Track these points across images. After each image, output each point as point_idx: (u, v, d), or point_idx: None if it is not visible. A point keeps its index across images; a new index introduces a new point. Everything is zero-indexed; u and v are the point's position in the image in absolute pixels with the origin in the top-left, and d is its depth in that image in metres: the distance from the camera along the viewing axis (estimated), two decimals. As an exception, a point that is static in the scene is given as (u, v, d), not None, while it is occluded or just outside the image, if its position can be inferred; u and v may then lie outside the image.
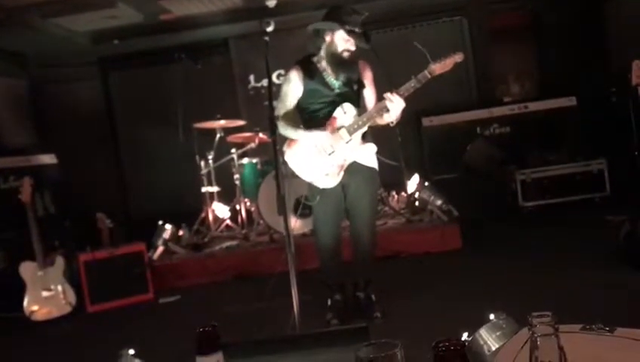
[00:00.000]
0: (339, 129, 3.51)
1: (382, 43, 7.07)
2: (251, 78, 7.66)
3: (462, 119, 6.90)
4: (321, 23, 3.54)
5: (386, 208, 6.06)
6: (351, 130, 3.49)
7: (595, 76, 6.62)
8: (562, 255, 4.48)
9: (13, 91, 7.10)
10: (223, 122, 6.08)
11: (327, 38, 3.53)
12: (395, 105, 3.38)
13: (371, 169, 3.68)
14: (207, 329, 1.00)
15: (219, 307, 4.42)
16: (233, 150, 6.03)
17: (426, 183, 5.91)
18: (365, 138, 3.62)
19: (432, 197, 5.63)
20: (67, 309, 4.78)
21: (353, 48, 3.49)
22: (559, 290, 3.60)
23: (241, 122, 6.41)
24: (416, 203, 5.87)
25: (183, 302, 4.91)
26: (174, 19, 6.74)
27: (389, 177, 6.33)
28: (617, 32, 6.55)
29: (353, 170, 3.57)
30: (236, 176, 6.02)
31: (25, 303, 4.69)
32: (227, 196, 6.26)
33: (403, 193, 6.35)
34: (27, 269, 4.76)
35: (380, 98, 3.51)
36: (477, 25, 7.62)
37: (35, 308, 4.70)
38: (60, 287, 4.79)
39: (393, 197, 6.47)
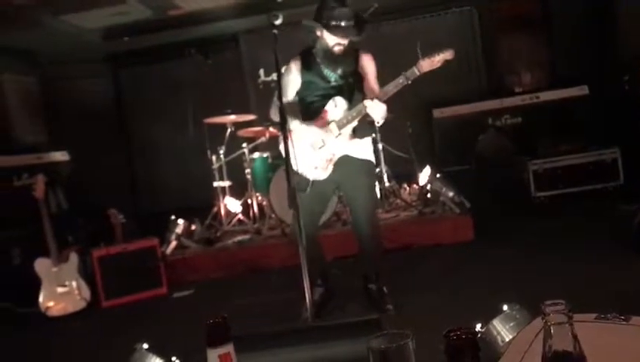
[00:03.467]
0: (329, 123, 3.52)
1: (391, 34, 7.08)
2: (261, 72, 7.66)
3: (473, 110, 6.86)
4: (308, 21, 3.51)
5: (398, 200, 6.05)
6: (340, 125, 3.50)
7: (607, 64, 6.56)
8: (576, 245, 4.45)
9: (24, 89, 7.15)
10: (233, 117, 6.09)
11: (318, 34, 3.52)
12: (374, 109, 3.36)
13: (365, 161, 3.66)
14: (216, 320, 1.00)
15: (232, 300, 4.43)
16: (244, 144, 6.04)
17: (438, 175, 5.88)
18: (356, 133, 3.59)
19: (444, 189, 5.61)
20: (82, 305, 4.83)
21: (344, 42, 3.46)
22: (573, 280, 3.58)
23: (251, 116, 6.42)
24: (428, 195, 5.85)
25: (197, 296, 4.93)
26: (183, 15, 6.74)
27: (401, 169, 6.34)
28: (629, 19, 6.46)
29: (346, 163, 3.56)
30: (247, 170, 6.03)
31: (40, 299, 4.75)
32: (239, 190, 6.28)
33: (415, 185, 6.34)
34: (42, 265, 4.81)
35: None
36: (487, 15, 7.56)
37: (50, 303, 4.75)
38: (74, 283, 4.84)
39: (405, 189, 6.46)
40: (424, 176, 6.04)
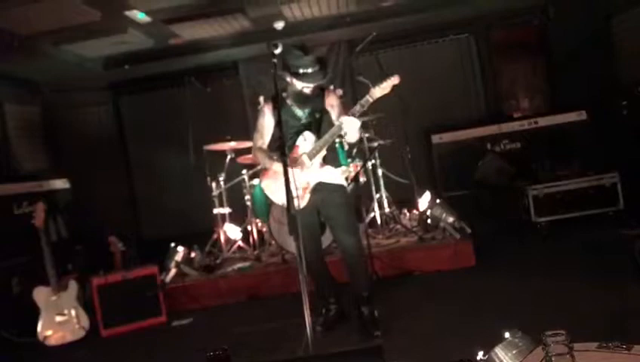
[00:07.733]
0: (300, 155, 3.79)
1: (390, 62, 7.13)
2: (261, 99, 7.68)
3: (472, 135, 6.90)
4: (280, 71, 3.70)
5: (398, 226, 6.04)
6: (311, 156, 3.79)
7: (605, 89, 6.60)
8: (576, 270, 4.44)
9: (26, 117, 7.18)
10: (233, 144, 6.11)
11: (288, 80, 3.77)
12: (350, 124, 3.63)
13: (338, 185, 3.92)
14: (217, 352, 1.00)
15: (232, 329, 4.39)
16: (244, 171, 6.05)
17: (438, 200, 5.88)
18: (326, 161, 3.89)
19: (444, 215, 5.61)
20: (81, 334, 4.79)
21: (311, 86, 3.73)
22: (574, 306, 3.56)
23: (251, 143, 6.42)
24: (428, 220, 5.84)
25: (196, 324, 4.89)
26: (184, 44, 6.81)
27: (400, 195, 6.35)
28: (626, 45, 6.53)
29: (321, 189, 3.84)
30: (247, 197, 6.04)
31: (39, 328, 4.71)
32: (238, 217, 6.28)
33: (415, 211, 6.34)
34: (41, 294, 4.78)
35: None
36: (484, 42, 7.65)
37: (49, 332, 4.71)
38: (73, 312, 4.81)
39: (405, 215, 6.45)
40: (424, 201, 6.04)
